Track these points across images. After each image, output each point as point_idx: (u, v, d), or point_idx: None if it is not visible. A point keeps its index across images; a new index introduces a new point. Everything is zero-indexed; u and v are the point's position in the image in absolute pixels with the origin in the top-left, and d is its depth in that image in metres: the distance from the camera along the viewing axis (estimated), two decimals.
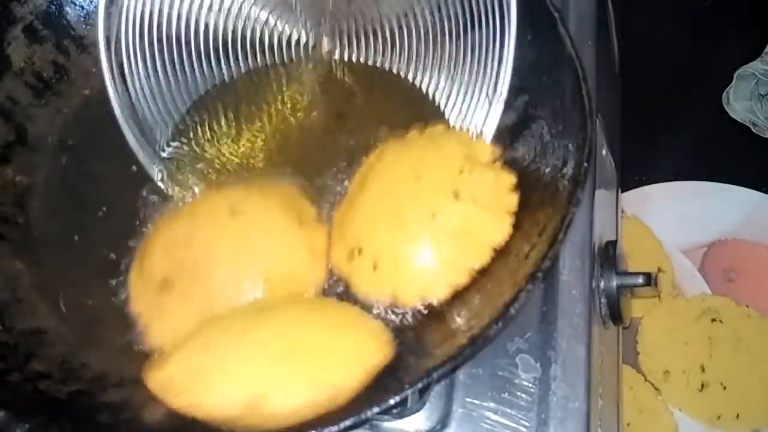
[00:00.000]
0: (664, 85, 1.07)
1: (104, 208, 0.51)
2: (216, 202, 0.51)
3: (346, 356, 0.43)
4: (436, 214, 0.47)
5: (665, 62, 1.08)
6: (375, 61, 0.56)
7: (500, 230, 0.47)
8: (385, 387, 0.40)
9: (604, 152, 0.67)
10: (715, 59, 1.10)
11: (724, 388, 0.85)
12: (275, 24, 0.56)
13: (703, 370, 0.86)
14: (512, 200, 0.48)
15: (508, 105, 0.50)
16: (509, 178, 0.49)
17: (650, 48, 1.05)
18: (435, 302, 0.46)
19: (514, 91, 0.50)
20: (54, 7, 0.54)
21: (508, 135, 0.51)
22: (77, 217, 0.51)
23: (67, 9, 0.55)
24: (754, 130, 1.04)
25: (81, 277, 0.49)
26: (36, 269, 0.49)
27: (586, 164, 0.43)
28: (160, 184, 0.52)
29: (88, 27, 0.55)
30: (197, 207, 0.51)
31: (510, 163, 0.50)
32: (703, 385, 0.85)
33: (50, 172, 0.53)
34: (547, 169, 0.47)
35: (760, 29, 1.10)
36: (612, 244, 0.58)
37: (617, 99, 0.77)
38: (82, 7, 0.55)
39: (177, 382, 0.42)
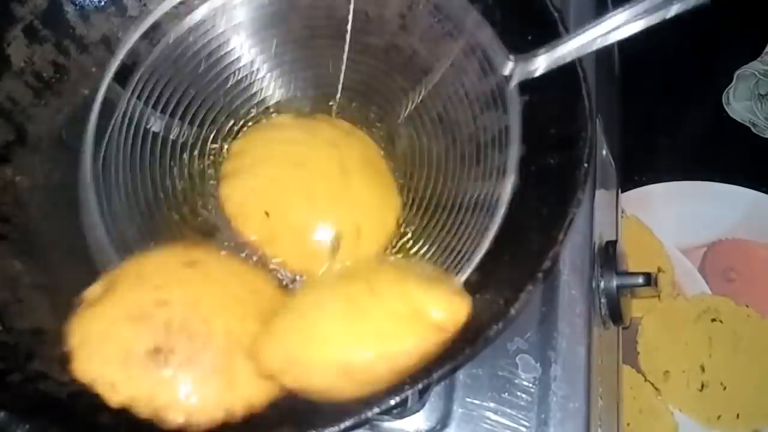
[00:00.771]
0: (664, 85, 1.07)
1: None
2: (165, 259, 0.48)
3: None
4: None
5: (665, 62, 1.08)
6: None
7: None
8: (386, 387, 0.40)
9: (604, 152, 0.67)
10: (715, 59, 1.10)
11: (724, 388, 0.85)
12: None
13: (702, 370, 0.86)
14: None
15: None
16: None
17: (650, 48, 1.05)
18: None
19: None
20: (54, 7, 0.54)
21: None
22: (77, 217, 0.51)
23: (67, 9, 0.55)
24: (754, 130, 1.04)
25: (81, 277, 0.49)
26: (36, 269, 0.49)
27: (586, 164, 0.43)
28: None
29: (88, 27, 0.55)
30: (144, 268, 0.47)
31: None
32: (702, 385, 0.85)
33: (50, 172, 0.53)
34: (547, 170, 0.47)
35: (760, 29, 1.10)
36: (612, 244, 0.58)
37: (617, 99, 0.77)
38: (82, 7, 0.55)
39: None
